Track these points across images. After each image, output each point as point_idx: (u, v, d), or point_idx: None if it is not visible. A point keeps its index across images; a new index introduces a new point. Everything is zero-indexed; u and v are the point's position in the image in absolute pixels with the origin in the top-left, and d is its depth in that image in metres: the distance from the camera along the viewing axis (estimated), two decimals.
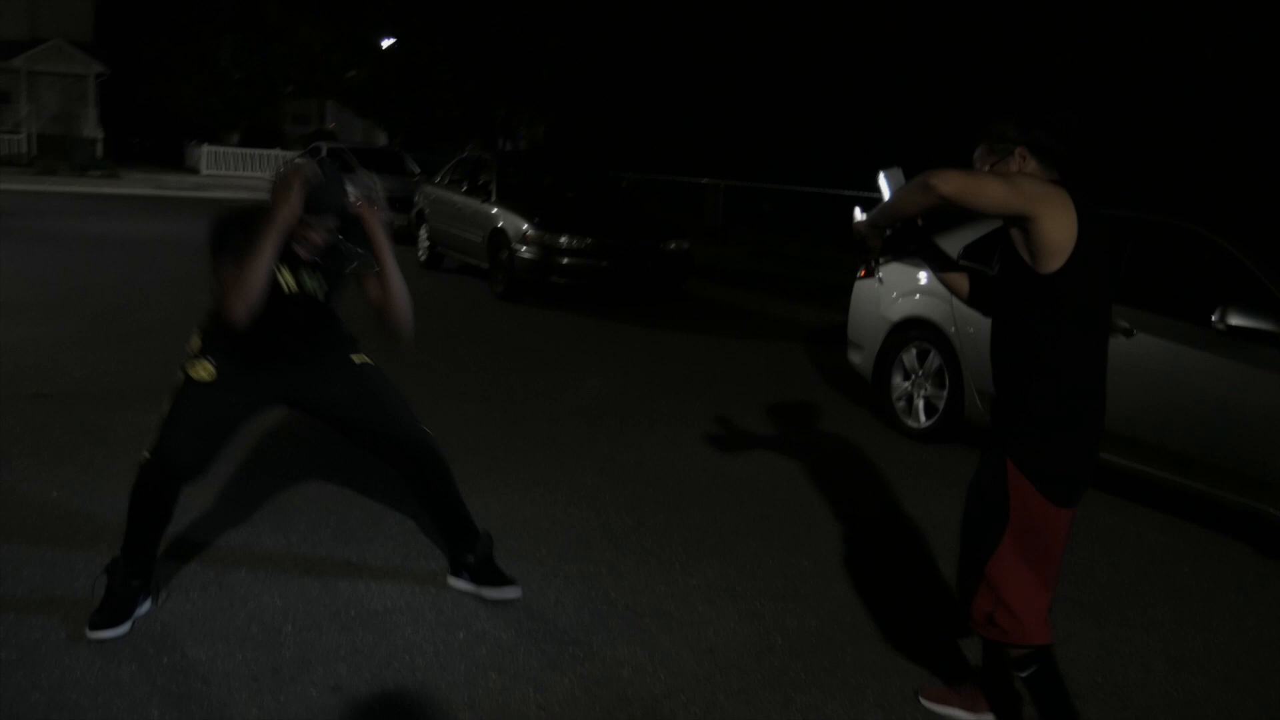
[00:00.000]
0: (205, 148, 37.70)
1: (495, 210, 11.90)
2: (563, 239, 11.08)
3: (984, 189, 2.70)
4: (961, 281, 3.34)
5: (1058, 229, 2.71)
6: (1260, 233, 5.48)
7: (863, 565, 4.55)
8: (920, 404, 6.80)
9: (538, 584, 4.06)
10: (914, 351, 6.86)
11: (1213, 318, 5.04)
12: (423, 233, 14.24)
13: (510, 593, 3.89)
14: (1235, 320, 4.96)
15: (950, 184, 2.70)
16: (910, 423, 6.83)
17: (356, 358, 3.77)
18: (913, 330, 6.86)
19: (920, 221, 3.19)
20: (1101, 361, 2.88)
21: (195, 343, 3.56)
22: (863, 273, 7.45)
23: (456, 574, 3.98)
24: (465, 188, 12.97)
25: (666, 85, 28.38)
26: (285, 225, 3.24)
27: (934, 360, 6.69)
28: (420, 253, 14.30)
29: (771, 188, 19.25)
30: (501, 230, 11.58)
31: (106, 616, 3.42)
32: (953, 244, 6.72)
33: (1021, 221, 2.75)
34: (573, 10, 28.46)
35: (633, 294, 11.80)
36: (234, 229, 3.31)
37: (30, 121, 37.14)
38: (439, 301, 11.40)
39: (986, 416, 6.19)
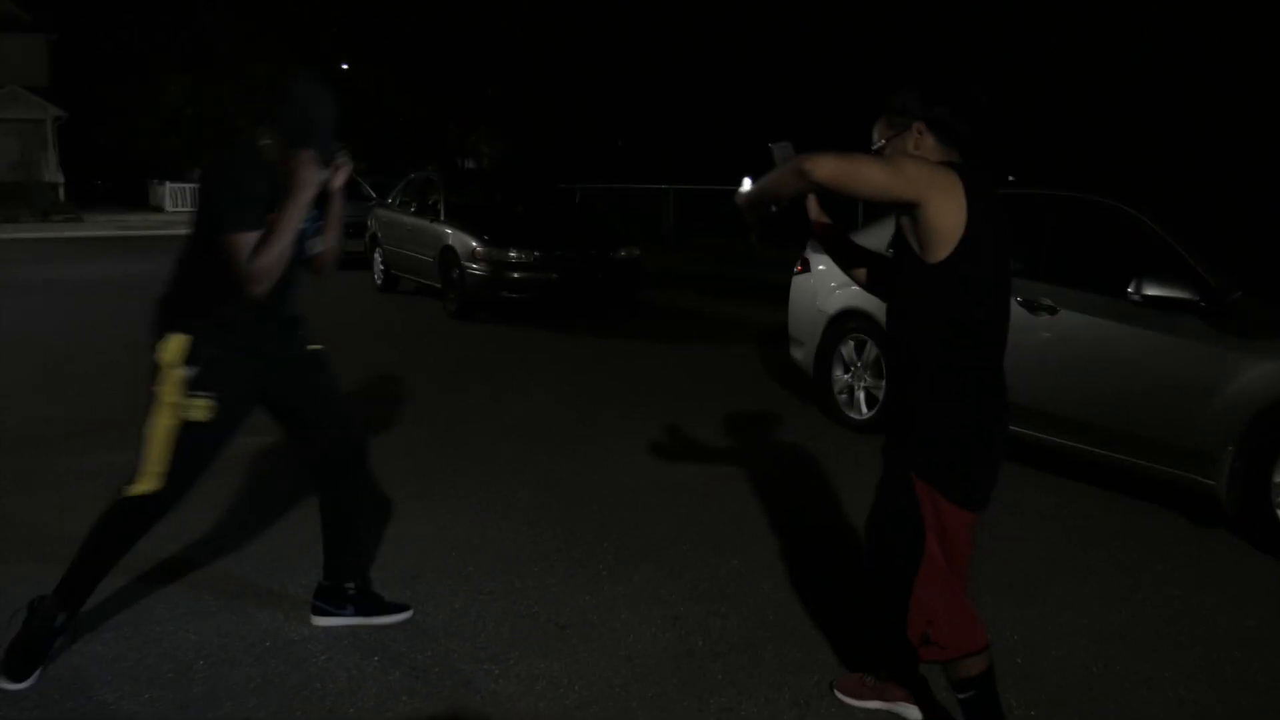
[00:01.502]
0: (167, 185, 37.67)
1: (444, 229, 11.88)
2: (511, 254, 11.07)
3: (861, 174, 2.53)
4: (859, 268, 3.21)
5: (944, 215, 2.54)
6: (1175, 205, 5.52)
7: (793, 562, 4.54)
8: (861, 395, 6.80)
9: (461, 604, 4.03)
10: (851, 344, 6.86)
11: (1129, 289, 5.05)
12: (377, 256, 14.21)
13: (401, 616, 3.86)
14: (1150, 290, 4.98)
15: (824, 169, 2.53)
16: (853, 415, 6.83)
17: (312, 346, 3.68)
18: (849, 322, 6.86)
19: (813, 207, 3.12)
20: (998, 354, 2.75)
21: (177, 350, 3.32)
22: (799, 268, 7.45)
23: (328, 609, 3.81)
24: (414, 208, 12.96)
25: (619, 94, 28.44)
26: (309, 198, 3.24)
27: (871, 351, 6.69)
28: (376, 276, 14.26)
29: (728, 189, 19.25)
30: (451, 249, 11.56)
31: (17, 665, 3.37)
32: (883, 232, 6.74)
33: (907, 208, 2.59)
34: (519, 26, 28.48)
35: (585, 305, 11.79)
36: (249, 200, 3.19)
37: None
38: (392, 324, 11.39)
39: None
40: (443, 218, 12.11)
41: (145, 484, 3.35)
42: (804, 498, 5.49)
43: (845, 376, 6.92)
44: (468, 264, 11.21)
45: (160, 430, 3.34)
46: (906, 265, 2.69)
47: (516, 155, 33.04)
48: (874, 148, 2.83)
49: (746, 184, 2.89)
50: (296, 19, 29.51)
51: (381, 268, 14.04)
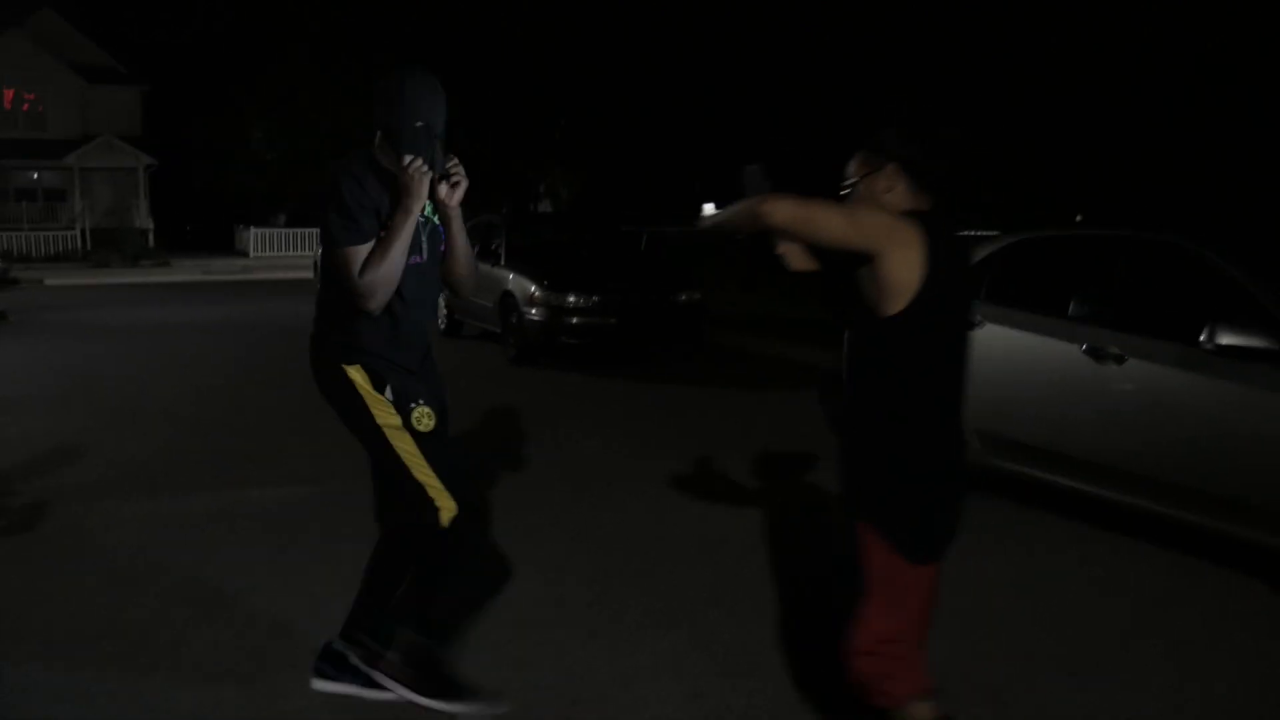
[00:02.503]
0: (252, 230, 38.39)
1: (504, 273, 11.79)
2: (570, 298, 10.93)
3: (818, 222, 2.50)
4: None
5: (900, 268, 2.49)
6: (1248, 244, 5.13)
7: (830, 632, 4.22)
8: None
9: (471, 672, 3.80)
10: None
11: (1201, 338, 4.68)
12: (440, 300, 14.18)
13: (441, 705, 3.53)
14: (1225, 339, 4.60)
15: (781, 214, 2.52)
16: None
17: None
18: None
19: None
20: (952, 407, 2.68)
21: (363, 380, 3.22)
22: None
23: (329, 673, 3.51)
24: (476, 252, 12.90)
25: (695, 134, 28.39)
26: (418, 211, 3.13)
27: None
28: (439, 320, 14.23)
29: None
30: (510, 293, 11.46)
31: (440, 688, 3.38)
32: None
33: (864, 258, 2.53)
34: (589, 68, 28.63)
35: (645, 349, 11.57)
36: (357, 211, 3.09)
37: (84, 217, 38.11)
38: (450, 369, 11.24)
39: (988, 458, 5.90)
40: (503, 262, 12.02)
41: (443, 504, 3.22)
42: (849, 563, 5.16)
43: None
44: (526, 309, 11.09)
45: (406, 455, 3.22)
46: (861, 314, 2.64)
47: (589, 197, 33.13)
48: (846, 184, 2.76)
49: (709, 209, 2.88)
50: (367, 62, 29.98)
51: (444, 312, 14.00)
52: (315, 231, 20.32)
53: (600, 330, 11.03)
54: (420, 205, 3.13)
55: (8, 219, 37.33)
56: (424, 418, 3.23)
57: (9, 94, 39.09)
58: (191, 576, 4.76)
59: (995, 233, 6.57)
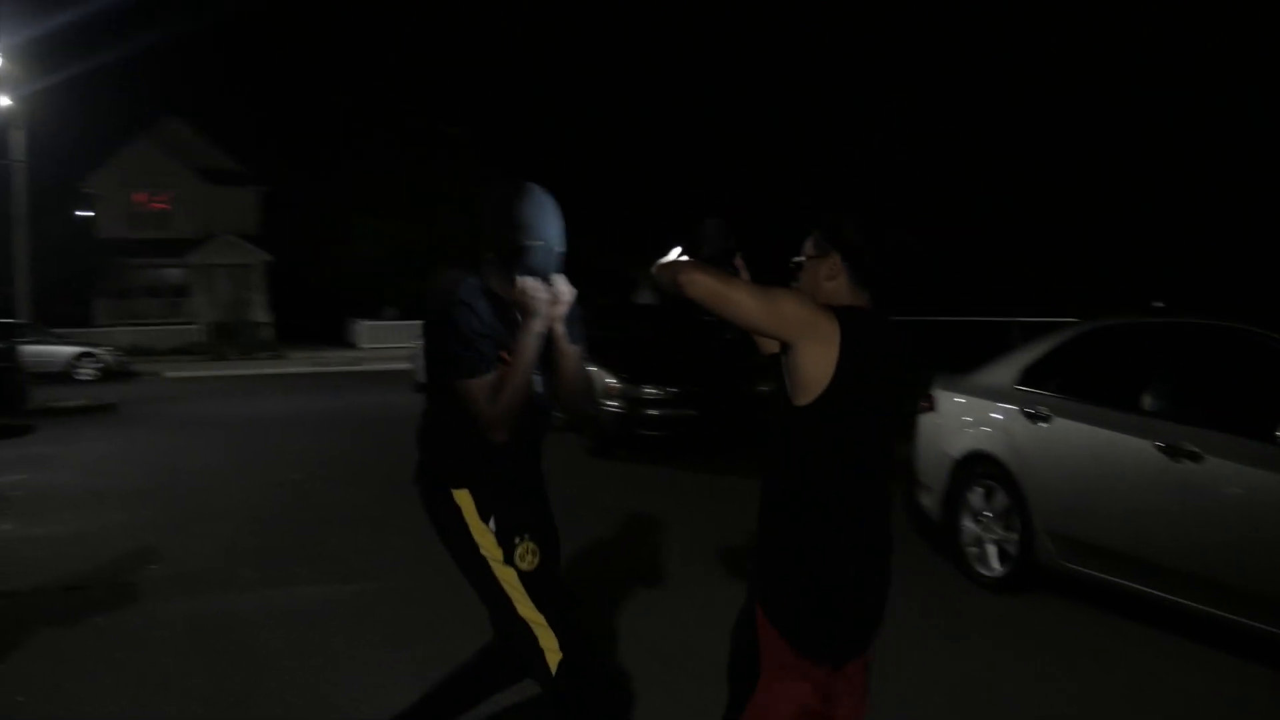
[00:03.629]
0: (363, 323, 39.47)
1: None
2: (648, 390, 10.81)
3: (732, 301, 2.48)
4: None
5: (811, 362, 2.46)
6: None
7: None
8: (992, 549, 6.11)
9: None
10: (980, 491, 6.21)
11: (1277, 431, 4.33)
12: None
13: None
14: None
15: (698, 288, 2.50)
16: (983, 570, 6.14)
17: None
18: (977, 466, 6.23)
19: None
20: (865, 504, 2.60)
21: (469, 507, 3.08)
22: (925, 404, 6.88)
23: None
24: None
25: (792, 220, 28.34)
26: (541, 328, 3.02)
27: (1001, 499, 6.03)
28: None
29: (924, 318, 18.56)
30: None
31: None
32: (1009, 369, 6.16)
33: (782, 344, 2.53)
34: (686, 163, 28.90)
35: (725, 442, 11.34)
36: (477, 338, 2.97)
37: (205, 311, 39.70)
38: None
39: (1060, 561, 5.55)
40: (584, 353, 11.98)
41: (550, 653, 3.00)
42: (920, 671, 4.85)
43: (974, 527, 6.25)
44: (604, 400, 11.01)
45: (510, 589, 3.05)
46: (779, 400, 2.60)
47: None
48: (796, 260, 2.74)
49: (674, 253, 2.80)
50: (457, 161, 30.77)
51: None
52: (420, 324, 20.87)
53: (679, 422, 10.87)
54: (544, 325, 3.02)
55: (135, 314, 39.15)
56: (527, 554, 3.06)
57: (139, 197, 41.26)
58: (220, 677, 4.70)
59: (1074, 319, 6.28)
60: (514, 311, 3.03)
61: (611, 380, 11.00)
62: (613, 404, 10.92)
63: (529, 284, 3.00)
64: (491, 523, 3.06)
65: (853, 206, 2.70)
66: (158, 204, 41.83)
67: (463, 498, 3.07)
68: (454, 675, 3.36)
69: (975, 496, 6.24)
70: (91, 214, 38.89)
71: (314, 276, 41.35)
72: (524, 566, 3.05)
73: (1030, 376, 6.03)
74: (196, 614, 5.73)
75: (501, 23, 35.54)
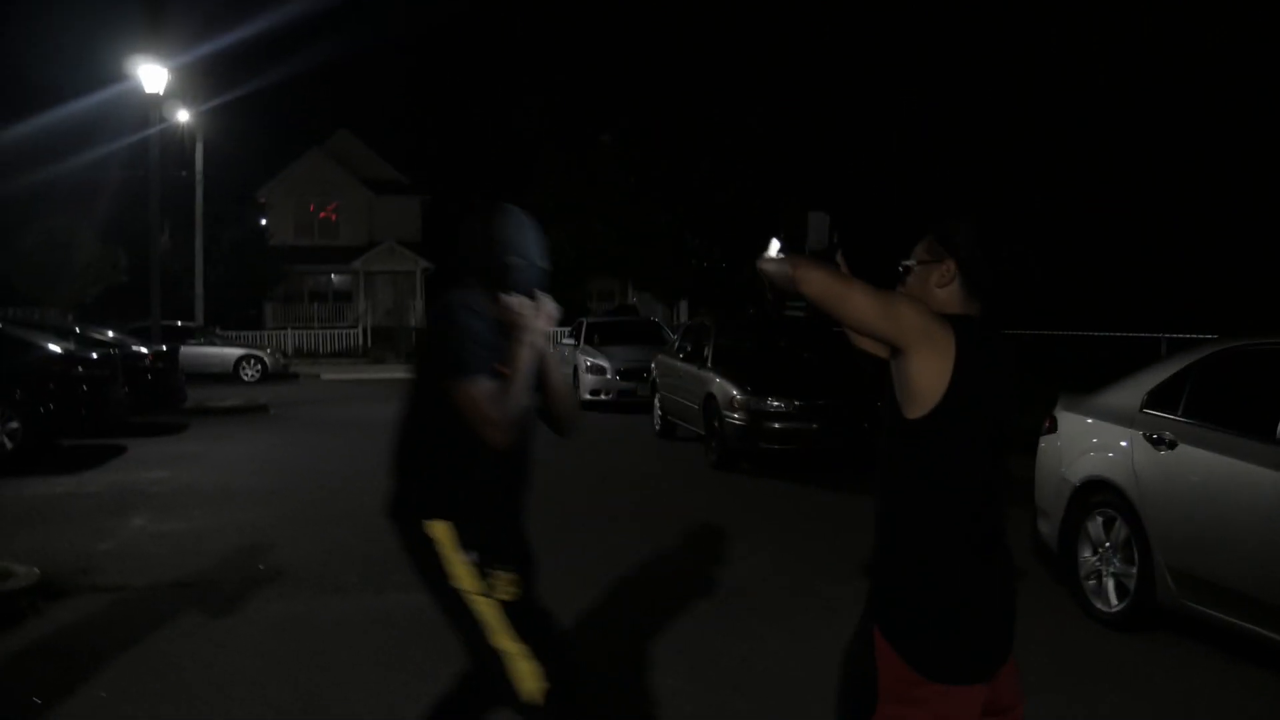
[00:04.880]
0: None
1: (710, 376, 11.60)
2: (771, 403, 10.56)
3: (851, 302, 2.36)
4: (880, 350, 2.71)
5: (926, 371, 2.35)
6: None
7: None
8: (1110, 584, 5.68)
9: None
10: (1099, 520, 5.78)
11: None
12: (656, 401, 14.14)
13: None
14: None
15: (813, 285, 2.39)
16: (1100, 606, 5.70)
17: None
18: (1096, 494, 5.80)
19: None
20: (982, 520, 2.45)
21: (446, 536, 2.94)
22: (1047, 425, 6.47)
23: None
24: (686, 354, 12.79)
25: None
26: (536, 339, 2.97)
27: (1121, 530, 5.59)
28: (655, 422, 14.18)
29: (1054, 333, 17.67)
30: (713, 396, 11.23)
31: None
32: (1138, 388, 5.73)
33: (893, 350, 2.41)
34: (825, 167, 28.38)
35: (850, 458, 10.97)
36: (482, 345, 2.91)
37: (366, 316, 41.12)
38: (651, 472, 11.14)
39: (1181, 601, 5.10)
40: (709, 364, 11.84)
41: (527, 684, 2.89)
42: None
43: (1092, 558, 5.82)
44: (727, 413, 10.81)
45: (489, 619, 2.93)
46: (889, 411, 2.48)
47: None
48: (905, 263, 2.61)
49: (774, 248, 2.70)
50: (600, 174, 30.90)
51: (659, 413, 13.93)
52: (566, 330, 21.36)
53: (802, 436, 10.58)
54: (537, 335, 2.96)
55: (301, 319, 40.85)
56: (510, 584, 2.93)
57: (309, 206, 43.12)
58: (297, 682, 4.73)
59: (1212, 336, 5.79)
60: (501, 330, 2.95)
61: (735, 392, 10.80)
62: (735, 416, 10.71)
63: (514, 299, 2.95)
64: (473, 555, 2.92)
65: (970, 213, 2.60)
66: (326, 213, 43.60)
67: (441, 530, 2.93)
68: (434, 707, 3.23)
69: (1094, 526, 5.81)
70: (264, 222, 40.76)
71: None
72: (505, 598, 2.92)
73: (1157, 399, 5.58)
74: (289, 616, 5.81)
75: (650, 33, 35.71)
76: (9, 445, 11.20)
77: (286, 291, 41.55)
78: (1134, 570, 5.45)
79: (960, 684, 2.40)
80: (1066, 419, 6.27)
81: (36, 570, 6.20)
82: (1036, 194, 23.05)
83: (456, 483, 2.97)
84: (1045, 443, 6.43)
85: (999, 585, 2.49)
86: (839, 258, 2.79)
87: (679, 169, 29.31)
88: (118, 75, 19.65)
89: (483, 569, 2.92)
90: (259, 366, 26.71)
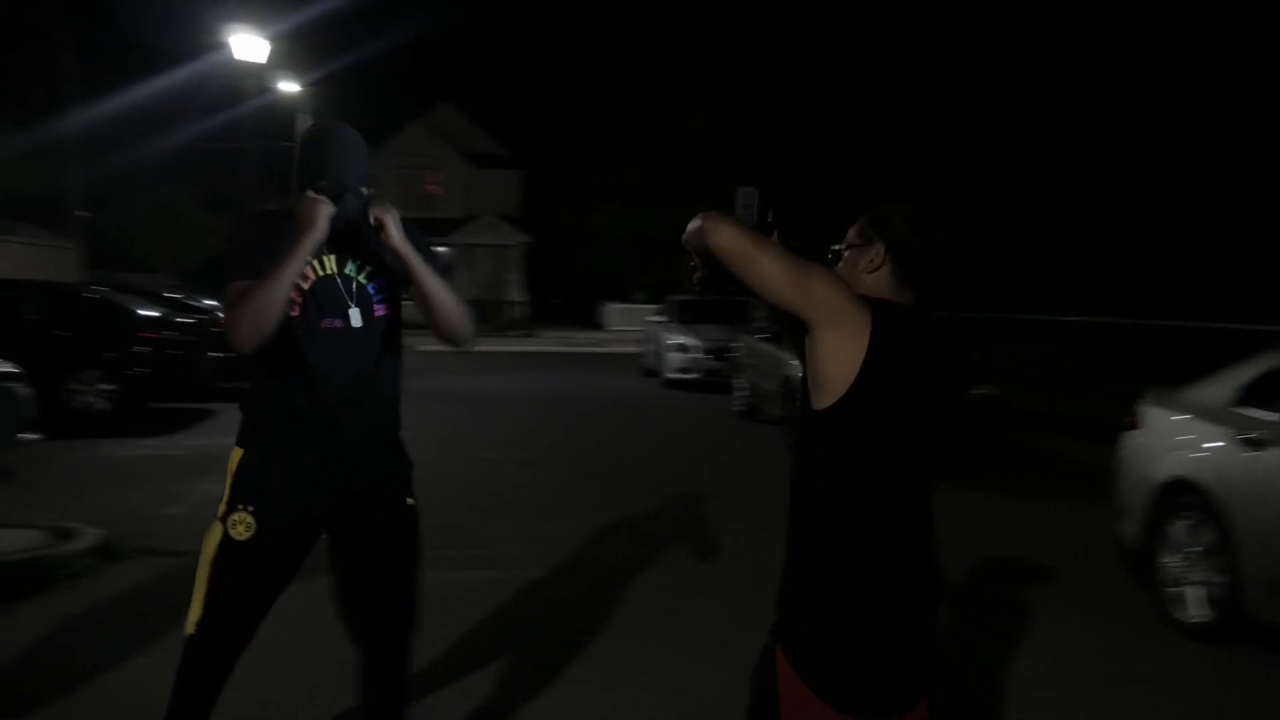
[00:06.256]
0: (613, 306, 40.27)
1: (788, 358, 11.32)
2: None
3: (758, 263, 2.12)
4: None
5: (834, 355, 2.10)
6: None
7: None
8: (1194, 592, 5.31)
9: None
10: (1182, 524, 5.42)
11: None
12: (740, 382, 13.91)
13: None
14: None
15: (721, 237, 2.14)
16: (1181, 614, 5.35)
17: (409, 500, 3.23)
18: (1181, 495, 5.44)
19: None
20: (897, 538, 2.18)
21: (234, 459, 3.03)
22: (1130, 421, 6.09)
23: None
24: (768, 335, 12.53)
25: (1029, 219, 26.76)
26: (309, 246, 2.85)
27: (1208, 534, 5.22)
28: (736, 403, 13.94)
29: (1150, 323, 16.93)
30: (790, 379, 10.96)
31: None
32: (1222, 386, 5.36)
33: (804, 325, 2.14)
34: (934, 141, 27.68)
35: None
36: (247, 248, 2.91)
37: (465, 289, 41.55)
38: (726, 454, 10.94)
39: (1272, 614, 4.74)
40: (788, 345, 11.57)
41: (193, 614, 2.97)
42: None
43: (1174, 563, 5.46)
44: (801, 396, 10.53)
45: (207, 551, 2.98)
46: (802, 397, 2.24)
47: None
48: (835, 248, 2.38)
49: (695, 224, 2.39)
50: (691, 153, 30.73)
51: (743, 394, 13.70)
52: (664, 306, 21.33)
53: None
54: (313, 238, 2.81)
55: None
56: (239, 524, 2.91)
57: (409, 179, 43.70)
58: (335, 657, 4.67)
59: None
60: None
61: None
62: None
63: (308, 197, 2.85)
64: (234, 480, 2.97)
65: (904, 197, 2.34)
66: (428, 186, 44.12)
67: (233, 457, 2.98)
68: None
69: (1178, 530, 5.44)
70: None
71: (569, 258, 42.56)
72: (234, 534, 2.92)
73: (1249, 396, 5.20)
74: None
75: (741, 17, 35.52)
76: (104, 407, 11.50)
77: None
78: (1219, 578, 5.09)
79: (860, 716, 2.14)
80: (1151, 415, 5.90)
81: (102, 532, 6.28)
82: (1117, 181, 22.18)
83: (253, 412, 3.00)
84: (1129, 439, 6.06)
85: (911, 611, 2.20)
86: (773, 239, 2.55)
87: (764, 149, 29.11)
88: (222, 46, 20.01)
89: (232, 499, 2.94)
90: None
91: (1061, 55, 25.94)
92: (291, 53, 28.00)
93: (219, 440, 10.73)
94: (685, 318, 18.58)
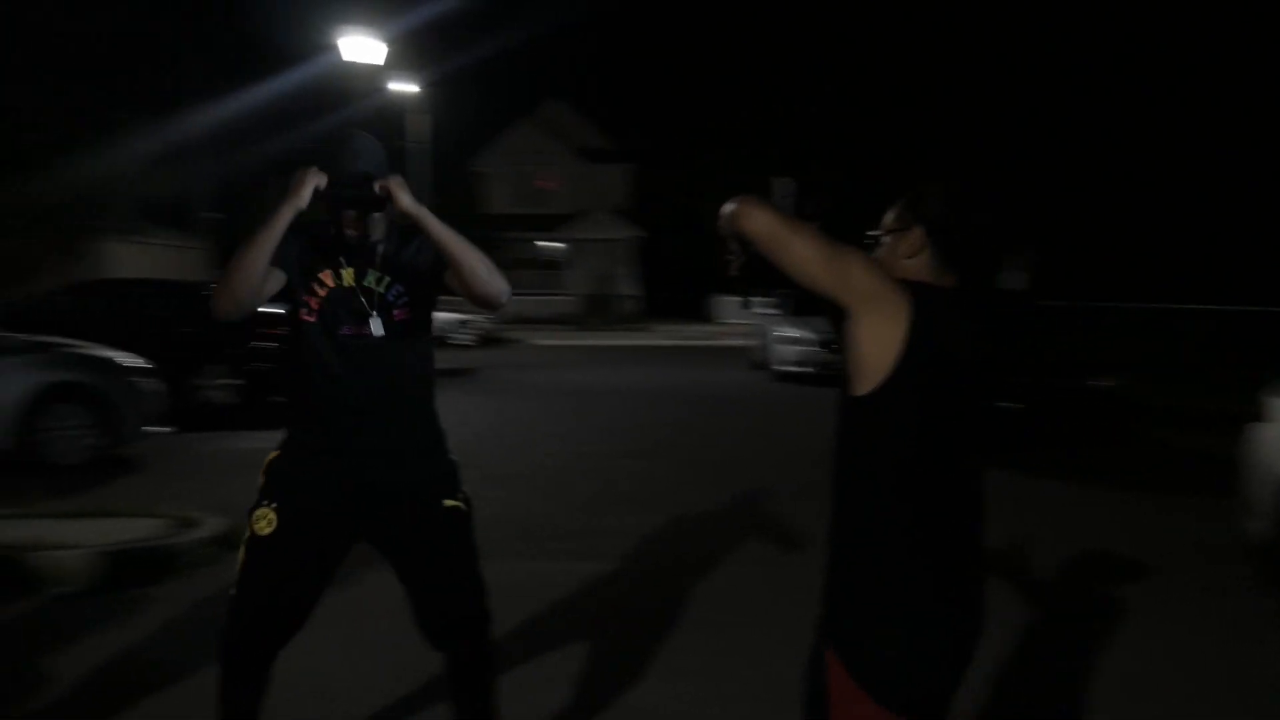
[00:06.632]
0: (725, 299, 40.24)
1: None
2: None
3: (793, 247, 2.09)
4: None
5: (872, 341, 2.07)
6: None
7: None
8: None
9: None
10: None
11: None
12: None
13: None
14: None
15: (754, 222, 2.13)
16: None
17: (449, 502, 3.17)
18: None
19: None
20: (940, 529, 2.13)
21: (267, 459, 3.17)
22: (1257, 412, 5.84)
23: None
24: None
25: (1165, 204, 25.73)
26: (288, 213, 2.94)
27: None
28: None
29: (1276, 311, 16.17)
30: None
31: None
32: None
33: (842, 312, 2.11)
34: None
35: (1053, 441, 10.29)
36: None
37: (577, 284, 41.94)
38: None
39: None
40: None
41: (227, 610, 3.09)
42: None
43: None
44: None
45: (241, 542, 3.11)
46: (841, 389, 2.20)
47: (1058, 269, 30.88)
48: (872, 233, 2.33)
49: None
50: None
51: None
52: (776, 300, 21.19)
53: (1001, 415, 10.00)
54: (292, 205, 2.91)
55: (515, 285, 41.53)
56: (261, 520, 3.01)
57: (521, 175, 44.31)
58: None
59: None
60: (337, 245, 3.05)
61: None
62: None
63: (301, 169, 2.95)
64: (262, 477, 3.10)
65: (941, 176, 2.33)
66: (540, 182, 44.65)
67: (268, 458, 3.12)
68: None
69: None
70: (481, 191, 42.14)
71: (681, 252, 42.56)
72: (256, 529, 3.02)
73: None
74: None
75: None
76: (229, 401, 11.93)
77: (499, 259, 42.68)
78: None
79: (905, 711, 2.11)
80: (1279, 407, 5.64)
81: (225, 521, 6.50)
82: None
83: (286, 418, 3.15)
84: (1255, 431, 5.81)
85: (958, 600, 2.17)
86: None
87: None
88: (338, 48, 20.51)
89: (259, 499, 3.05)
90: (473, 331, 27.58)
91: (1172, 21, 24.96)
92: (405, 54, 28.62)
93: None
94: (798, 309, 18.38)
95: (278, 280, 3.01)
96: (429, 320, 3.19)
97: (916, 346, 2.06)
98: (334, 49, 20.28)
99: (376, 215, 3.06)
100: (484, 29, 40.44)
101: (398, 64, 27.06)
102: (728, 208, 2.21)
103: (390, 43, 20.91)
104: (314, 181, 2.95)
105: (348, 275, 3.06)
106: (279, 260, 2.97)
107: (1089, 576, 6.06)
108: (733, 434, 11.92)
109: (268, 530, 3.02)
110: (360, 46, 19.22)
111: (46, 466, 8.57)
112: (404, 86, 29.72)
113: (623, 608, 5.47)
